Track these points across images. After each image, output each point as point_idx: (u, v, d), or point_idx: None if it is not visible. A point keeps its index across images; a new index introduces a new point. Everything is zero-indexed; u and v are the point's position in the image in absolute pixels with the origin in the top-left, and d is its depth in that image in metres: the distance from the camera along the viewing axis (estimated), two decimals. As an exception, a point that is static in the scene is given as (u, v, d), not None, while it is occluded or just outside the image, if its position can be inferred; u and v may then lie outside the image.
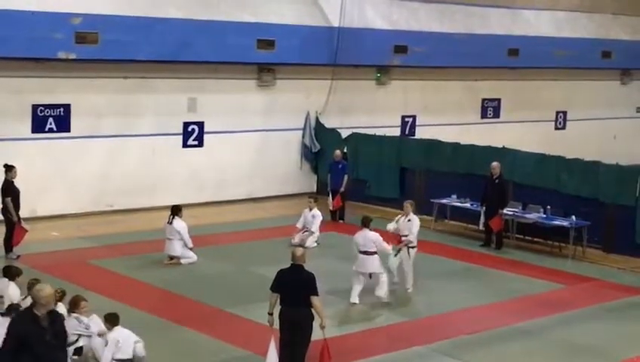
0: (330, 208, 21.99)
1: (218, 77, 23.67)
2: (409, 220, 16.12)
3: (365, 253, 15.12)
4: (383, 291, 15.26)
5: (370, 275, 15.24)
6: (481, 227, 20.29)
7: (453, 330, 14.19)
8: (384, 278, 15.31)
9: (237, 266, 17.69)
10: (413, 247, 16.10)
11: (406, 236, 16.04)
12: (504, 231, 20.16)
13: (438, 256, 19.17)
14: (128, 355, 11.38)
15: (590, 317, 15.37)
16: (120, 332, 11.49)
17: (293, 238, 19.11)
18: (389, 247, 15.59)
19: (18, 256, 17.19)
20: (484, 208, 19.99)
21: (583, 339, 14.16)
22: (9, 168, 17.51)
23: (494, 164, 19.82)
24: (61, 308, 11.98)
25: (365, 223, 15.35)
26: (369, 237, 15.14)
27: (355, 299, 15.17)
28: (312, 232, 19.22)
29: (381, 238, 15.31)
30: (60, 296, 12.25)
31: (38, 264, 16.60)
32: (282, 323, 11.40)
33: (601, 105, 33.40)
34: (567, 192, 20.21)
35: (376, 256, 15.17)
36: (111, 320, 11.57)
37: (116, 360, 11.35)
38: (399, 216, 16.43)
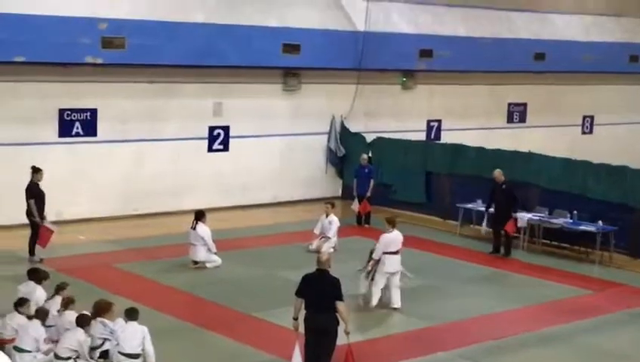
0: (356, 212, 21.98)
1: (243, 81, 23.71)
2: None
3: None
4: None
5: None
6: (483, 233, 20.23)
7: (479, 336, 14.11)
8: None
9: (262, 270, 17.69)
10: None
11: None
12: (516, 236, 19.98)
13: (464, 261, 19.11)
14: (132, 351, 11.40)
15: (617, 322, 15.25)
16: (126, 326, 11.54)
17: (311, 244, 19.09)
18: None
19: (41, 259, 17.25)
20: (489, 213, 19.98)
21: (610, 345, 14.05)
22: (36, 170, 17.61)
23: (497, 171, 19.68)
24: (72, 316, 11.94)
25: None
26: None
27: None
28: (329, 238, 19.15)
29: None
30: (69, 302, 12.26)
31: (64, 267, 16.69)
32: (307, 328, 11.38)
33: (629, 110, 33.14)
34: (594, 197, 20.06)
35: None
36: (127, 314, 11.65)
37: (120, 353, 11.42)
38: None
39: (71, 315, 11.87)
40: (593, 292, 17.13)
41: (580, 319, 15.22)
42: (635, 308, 16.12)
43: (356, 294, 15.29)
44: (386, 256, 15.17)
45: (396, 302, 15.25)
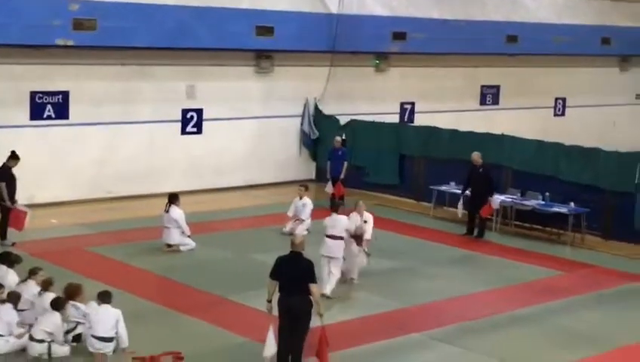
0: (330, 194, 21.95)
1: (216, 63, 23.61)
2: (365, 221, 15.83)
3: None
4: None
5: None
6: (460, 215, 20.24)
7: (451, 317, 14.21)
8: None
9: (236, 253, 17.69)
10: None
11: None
12: (489, 218, 20.06)
13: (437, 242, 19.19)
14: (105, 334, 11.41)
15: (589, 303, 15.41)
16: (99, 309, 11.53)
17: (285, 227, 19.10)
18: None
19: (13, 243, 17.13)
20: (465, 196, 19.94)
21: (581, 326, 14.20)
22: (14, 157, 17.47)
23: (475, 154, 19.73)
24: (49, 297, 11.90)
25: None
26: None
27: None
28: (303, 220, 19.17)
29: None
30: (48, 283, 12.23)
31: (37, 251, 16.57)
32: (281, 311, 11.40)
33: (600, 92, 33.35)
34: (566, 179, 20.22)
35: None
36: (100, 297, 11.65)
37: (93, 336, 11.42)
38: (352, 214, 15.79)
39: (50, 297, 11.84)
40: (564, 274, 17.28)
41: (551, 300, 15.35)
42: (605, 289, 16.29)
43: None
44: (325, 238, 15.11)
45: (325, 288, 14.55)
